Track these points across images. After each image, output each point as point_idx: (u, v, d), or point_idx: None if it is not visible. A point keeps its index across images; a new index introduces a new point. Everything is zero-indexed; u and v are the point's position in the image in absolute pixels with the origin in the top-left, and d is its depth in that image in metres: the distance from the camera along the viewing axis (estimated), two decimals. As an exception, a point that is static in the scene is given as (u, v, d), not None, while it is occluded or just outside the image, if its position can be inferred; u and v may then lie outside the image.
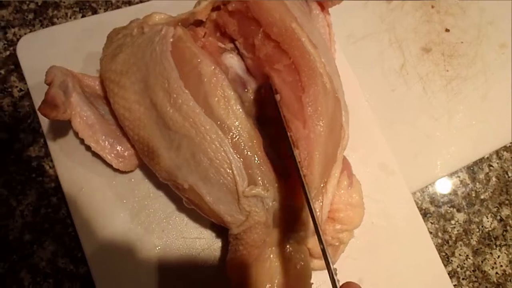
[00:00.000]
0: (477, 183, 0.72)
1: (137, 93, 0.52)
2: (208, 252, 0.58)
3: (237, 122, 0.49)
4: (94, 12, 0.68)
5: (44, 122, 0.59)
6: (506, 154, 0.74)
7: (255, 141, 0.49)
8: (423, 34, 0.76)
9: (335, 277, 0.39)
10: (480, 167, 0.73)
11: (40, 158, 0.59)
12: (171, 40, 0.52)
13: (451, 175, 0.71)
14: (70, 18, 0.67)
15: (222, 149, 0.48)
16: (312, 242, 0.51)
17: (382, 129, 0.67)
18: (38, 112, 0.59)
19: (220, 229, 0.56)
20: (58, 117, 0.52)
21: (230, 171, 0.48)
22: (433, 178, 0.70)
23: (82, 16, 0.67)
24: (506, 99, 0.75)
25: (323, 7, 0.63)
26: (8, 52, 0.63)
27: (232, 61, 0.56)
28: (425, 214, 0.69)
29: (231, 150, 0.48)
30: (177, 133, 0.50)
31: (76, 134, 0.55)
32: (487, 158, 0.73)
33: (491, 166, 0.73)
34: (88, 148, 0.56)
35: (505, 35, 0.79)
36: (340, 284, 0.39)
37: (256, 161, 0.49)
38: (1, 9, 0.65)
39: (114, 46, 0.56)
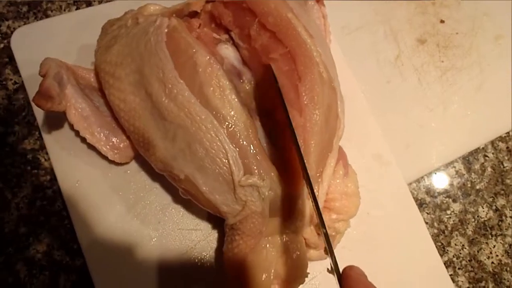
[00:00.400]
0: (473, 174, 0.72)
1: (132, 84, 0.52)
2: (204, 244, 0.58)
3: (232, 112, 0.49)
4: (89, 4, 0.67)
5: (39, 114, 0.59)
6: (501, 145, 0.74)
7: (250, 131, 0.49)
8: (418, 25, 0.76)
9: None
10: (476, 157, 0.73)
11: (35, 150, 0.59)
12: (166, 30, 0.52)
13: (446, 165, 0.72)
14: (64, 10, 0.67)
15: (217, 138, 0.48)
16: (309, 232, 0.51)
17: (377, 119, 0.67)
18: (33, 104, 0.59)
19: (217, 220, 0.56)
20: (53, 108, 0.52)
21: (226, 160, 0.48)
22: (429, 169, 0.70)
23: (77, 9, 0.67)
24: (501, 90, 0.75)
25: (318, -2, 0.63)
26: (2, 45, 0.63)
27: (227, 51, 0.56)
28: (420, 204, 0.69)
29: (227, 139, 0.48)
30: (173, 123, 0.49)
31: (71, 126, 0.55)
32: (483, 148, 0.74)
33: (487, 156, 0.73)
34: (83, 140, 0.56)
35: (500, 26, 0.79)
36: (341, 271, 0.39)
37: (252, 151, 0.49)
38: (-6, 1, 0.65)
39: (109, 37, 0.56)
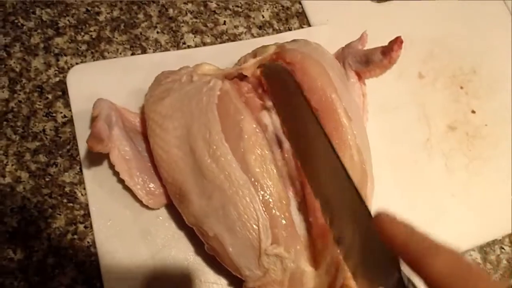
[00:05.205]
0: (488, 264, 0.73)
1: (178, 138, 0.55)
2: (222, 299, 0.59)
3: (270, 182, 0.51)
4: (144, 51, 0.71)
5: (82, 150, 0.62)
6: (518, 239, 0.76)
7: (284, 202, 0.51)
8: (451, 112, 0.79)
9: None
10: (492, 248, 0.74)
11: (74, 184, 0.62)
12: (218, 93, 0.55)
13: (463, 253, 0.73)
14: (120, 54, 0.70)
15: (252, 205, 0.50)
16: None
17: (400, 198, 0.69)
18: (78, 139, 0.62)
19: (237, 278, 0.57)
20: (101, 150, 0.54)
21: (257, 227, 0.50)
22: (446, 254, 0.71)
23: (132, 54, 0.70)
24: (525, 185, 0.77)
25: (360, 77, 0.66)
26: (57, 79, 0.66)
27: (271, 120, 0.58)
28: (433, 287, 0.70)
29: (261, 207, 0.50)
30: (211, 182, 0.52)
31: (112, 166, 0.58)
32: (500, 240, 0.75)
33: (503, 248, 0.74)
34: (120, 180, 0.59)
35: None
36: None
37: (282, 222, 0.51)
38: (57, 36, 0.69)
39: (162, 88, 0.59)
